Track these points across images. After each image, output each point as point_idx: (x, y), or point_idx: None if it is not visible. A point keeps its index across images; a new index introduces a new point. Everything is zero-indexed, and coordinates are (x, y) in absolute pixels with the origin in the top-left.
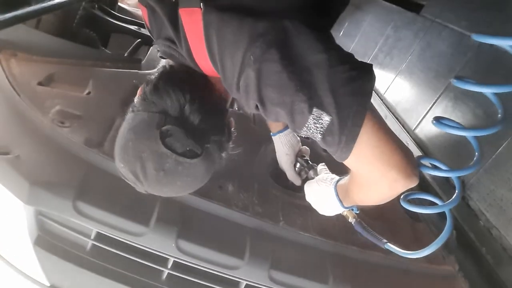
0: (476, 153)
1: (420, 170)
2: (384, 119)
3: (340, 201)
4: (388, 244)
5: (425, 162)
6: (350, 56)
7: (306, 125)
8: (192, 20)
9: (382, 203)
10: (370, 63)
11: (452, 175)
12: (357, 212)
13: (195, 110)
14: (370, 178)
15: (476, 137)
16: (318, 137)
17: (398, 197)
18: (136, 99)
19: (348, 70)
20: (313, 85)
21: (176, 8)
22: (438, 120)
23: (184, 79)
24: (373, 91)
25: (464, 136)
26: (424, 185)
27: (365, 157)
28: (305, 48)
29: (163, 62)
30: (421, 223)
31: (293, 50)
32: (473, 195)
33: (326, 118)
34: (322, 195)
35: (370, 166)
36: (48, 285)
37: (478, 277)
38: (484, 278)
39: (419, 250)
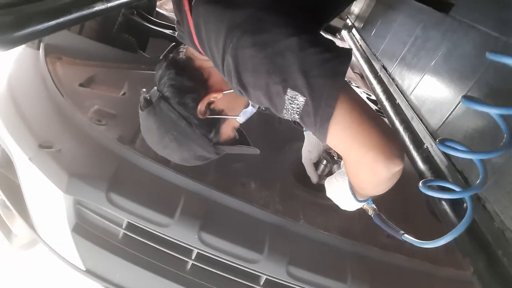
0: (505, 135)
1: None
2: (410, 120)
3: (354, 194)
4: (405, 235)
5: (449, 144)
6: (325, 41)
7: (285, 106)
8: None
9: (379, 190)
10: (350, 47)
11: (474, 157)
12: (372, 205)
13: (167, 80)
14: (352, 161)
15: (502, 116)
16: (296, 118)
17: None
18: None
19: (320, 52)
20: (286, 68)
21: None
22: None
23: (181, 61)
24: (400, 92)
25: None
26: (455, 175)
27: (342, 138)
28: (277, 33)
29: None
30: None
31: (266, 36)
32: (489, 196)
33: (301, 99)
34: (340, 189)
35: (349, 147)
36: (84, 269)
37: (493, 280)
38: (499, 282)
39: (435, 240)
